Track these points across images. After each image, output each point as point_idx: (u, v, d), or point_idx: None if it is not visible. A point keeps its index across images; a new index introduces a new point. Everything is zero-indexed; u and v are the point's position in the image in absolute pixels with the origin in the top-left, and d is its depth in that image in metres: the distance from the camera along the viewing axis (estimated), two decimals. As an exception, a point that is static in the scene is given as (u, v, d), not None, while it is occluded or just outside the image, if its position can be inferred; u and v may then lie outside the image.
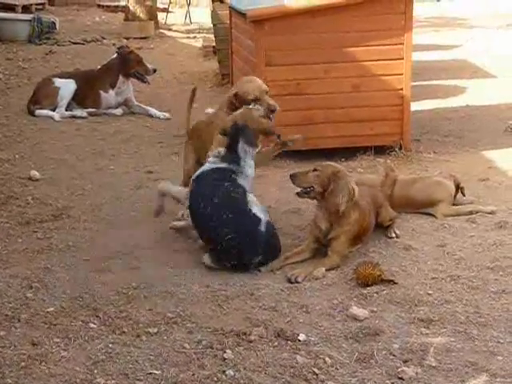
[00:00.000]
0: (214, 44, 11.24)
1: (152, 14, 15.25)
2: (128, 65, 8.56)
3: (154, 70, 8.71)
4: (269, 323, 3.93)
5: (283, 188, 6.07)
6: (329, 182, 4.68)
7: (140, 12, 14.95)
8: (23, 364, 3.54)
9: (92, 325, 3.92)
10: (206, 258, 4.65)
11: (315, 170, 4.75)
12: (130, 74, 8.63)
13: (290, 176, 4.82)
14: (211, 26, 11.22)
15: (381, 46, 6.70)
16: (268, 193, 5.93)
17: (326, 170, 4.73)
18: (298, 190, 4.82)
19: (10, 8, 14.81)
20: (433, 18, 16.11)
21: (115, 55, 8.72)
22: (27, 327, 3.88)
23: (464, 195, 5.62)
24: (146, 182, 6.23)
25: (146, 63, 8.68)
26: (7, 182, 6.19)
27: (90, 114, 8.47)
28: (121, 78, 8.60)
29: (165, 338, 3.80)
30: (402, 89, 6.79)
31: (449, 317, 4.01)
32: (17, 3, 15.09)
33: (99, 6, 18.74)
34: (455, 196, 5.57)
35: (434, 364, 3.57)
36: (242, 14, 6.88)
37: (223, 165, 4.75)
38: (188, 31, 15.37)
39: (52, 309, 4.07)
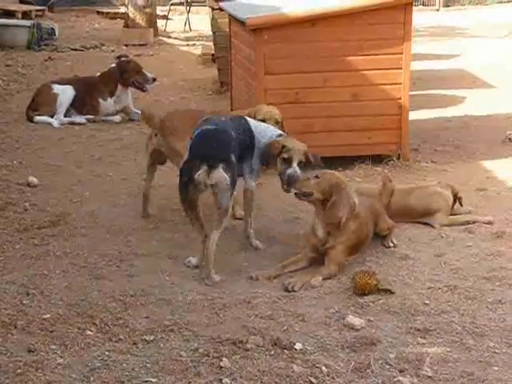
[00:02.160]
0: (213, 52, 11.26)
1: (151, 21, 15.28)
2: (127, 74, 8.57)
3: (154, 79, 8.72)
4: (265, 332, 3.93)
5: (281, 197, 6.07)
6: (330, 191, 4.69)
7: (139, 19, 14.98)
8: (19, 371, 3.53)
9: (88, 332, 3.91)
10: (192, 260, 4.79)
11: (317, 177, 4.76)
12: (129, 83, 8.64)
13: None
14: (211, 33, 11.25)
15: (380, 55, 6.71)
16: (266, 202, 5.93)
17: (327, 178, 4.74)
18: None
19: (10, 14, 14.83)
20: (432, 27, 16.15)
21: (115, 63, 8.73)
22: (24, 334, 3.88)
23: (461, 205, 5.63)
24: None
25: (146, 72, 8.68)
26: (5, 189, 6.19)
27: (89, 121, 8.48)
28: (120, 86, 8.61)
29: (161, 345, 3.80)
30: (400, 98, 6.81)
31: (445, 327, 4.01)
32: (17, 9, 15.12)
33: (99, 12, 18.78)
34: (453, 206, 5.58)
35: (430, 374, 3.57)
36: (242, 22, 6.89)
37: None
38: (187, 38, 15.40)
39: (48, 315, 4.06)
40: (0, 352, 3.69)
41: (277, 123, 5.41)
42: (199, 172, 4.54)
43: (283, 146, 4.95)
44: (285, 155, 4.94)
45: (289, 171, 4.91)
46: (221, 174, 4.55)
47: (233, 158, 4.66)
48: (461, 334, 3.93)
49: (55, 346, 3.77)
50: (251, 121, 5.14)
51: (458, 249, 5.05)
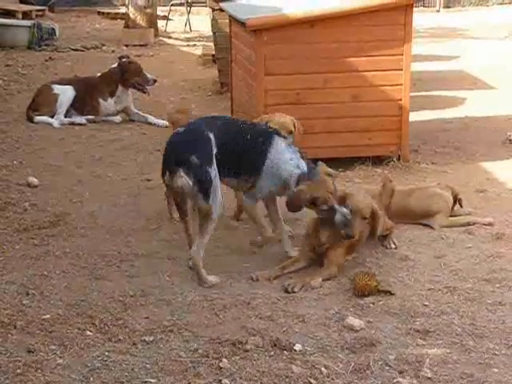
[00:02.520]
0: (213, 52, 11.27)
1: (152, 21, 15.28)
2: (128, 75, 8.56)
3: (154, 81, 8.69)
4: (265, 333, 3.93)
5: (280, 198, 6.07)
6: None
7: (140, 19, 14.98)
8: (19, 371, 3.53)
9: (88, 332, 3.91)
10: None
11: (364, 218, 4.73)
12: (130, 85, 8.63)
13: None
14: (211, 34, 11.25)
15: (380, 56, 6.71)
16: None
17: (371, 213, 4.77)
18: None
19: (11, 14, 14.83)
20: (432, 28, 16.15)
21: (116, 64, 8.73)
22: (23, 334, 3.88)
23: (461, 206, 5.63)
24: (143, 190, 6.23)
25: (147, 74, 8.67)
26: (5, 189, 6.19)
27: (89, 121, 8.48)
28: (120, 87, 8.61)
29: (161, 346, 3.80)
30: (400, 99, 6.80)
31: (445, 328, 4.01)
32: (17, 9, 15.12)
33: (99, 12, 18.78)
34: (453, 207, 5.58)
35: (429, 375, 3.57)
36: (242, 23, 6.89)
37: None
38: (188, 39, 15.40)
39: (48, 316, 4.06)
40: (0, 352, 3.69)
41: (290, 133, 5.19)
42: (166, 177, 4.52)
43: (315, 198, 4.63)
44: (324, 207, 4.64)
45: (338, 219, 4.62)
46: (182, 179, 4.42)
47: (194, 159, 4.41)
48: (460, 336, 3.93)
49: (55, 346, 3.77)
50: (279, 140, 4.74)
51: (458, 250, 5.05)
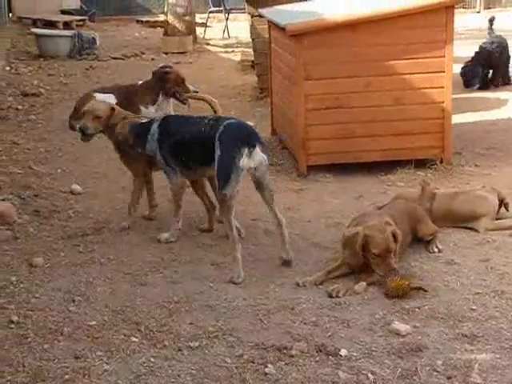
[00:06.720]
0: (252, 58, 11.29)
1: (191, 28, 15.38)
2: (167, 84, 8.57)
3: (196, 92, 8.65)
4: (310, 338, 3.90)
5: (322, 202, 6.06)
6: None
7: (179, 27, 15.09)
8: (67, 377, 3.56)
9: (134, 338, 3.93)
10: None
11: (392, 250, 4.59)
12: (171, 94, 8.64)
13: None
14: (249, 40, 11.27)
15: (422, 58, 6.65)
16: (307, 207, 5.92)
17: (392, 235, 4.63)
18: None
19: (52, 24, 15.06)
20: (473, 29, 15.96)
21: (153, 73, 8.74)
22: (70, 340, 3.91)
23: (507, 210, 5.53)
24: (187, 196, 6.23)
25: (188, 85, 8.65)
26: (49, 196, 6.27)
27: (131, 129, 8.52)
28: (161, 96, 8.62)
29: (206, 352, 3.80)
30: (443, 102, 6.74)
31: (493, 333, 3.94)
32: (58, 20, 15.34)
33: (138, 21, 18.97)
34: (498, 210, 5.49)
35: (478, 381, 3.51)
36: (282, 28, 6.89)
37: None
38: (226, 45, 15.46)
39: (94, 322, 4.10)
40: (48, 358, 3.73)
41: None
42: (242, 154, 4.82)
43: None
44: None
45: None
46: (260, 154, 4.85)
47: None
48: (510, 341, 3.86)
49: (101, 352, 3.79)
50: None
51: (505, 253, 4.97)
